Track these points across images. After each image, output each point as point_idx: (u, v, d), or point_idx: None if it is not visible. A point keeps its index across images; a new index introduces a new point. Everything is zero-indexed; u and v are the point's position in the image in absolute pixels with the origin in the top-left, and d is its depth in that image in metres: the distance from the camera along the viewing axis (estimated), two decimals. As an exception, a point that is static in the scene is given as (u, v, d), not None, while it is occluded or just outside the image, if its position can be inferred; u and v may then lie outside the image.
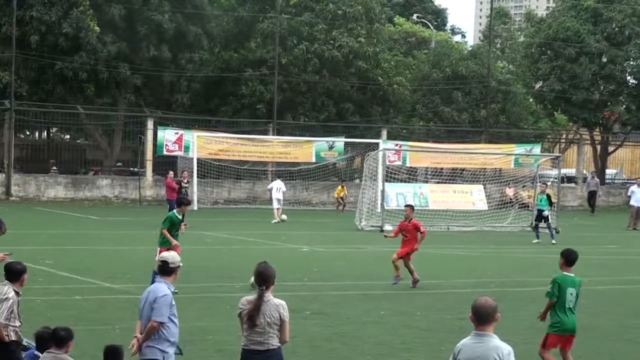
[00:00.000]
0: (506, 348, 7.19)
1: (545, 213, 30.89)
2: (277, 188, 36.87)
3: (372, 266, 23.88)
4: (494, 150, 47.08)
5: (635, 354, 14.18)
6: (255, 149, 43.76)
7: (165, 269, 9.12)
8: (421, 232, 19.73)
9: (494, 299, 7.45)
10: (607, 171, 58.47)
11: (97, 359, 8.83)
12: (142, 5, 44.52)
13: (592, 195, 46.70)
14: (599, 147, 57.68)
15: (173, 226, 18.14)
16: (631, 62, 55.95)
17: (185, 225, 19.03)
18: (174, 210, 18.74)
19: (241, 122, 46.66)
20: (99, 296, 17.60)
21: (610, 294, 20.19)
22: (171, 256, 9.20)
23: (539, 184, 39.23)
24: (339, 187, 44.89)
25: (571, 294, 11.61)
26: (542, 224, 30.97)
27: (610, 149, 57.96)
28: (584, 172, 55.65)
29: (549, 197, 31.43)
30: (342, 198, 44.21)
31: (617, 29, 54.77)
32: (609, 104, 55.49)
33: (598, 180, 49.36)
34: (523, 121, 54.40)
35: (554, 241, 30.14)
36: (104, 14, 43.66)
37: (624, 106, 55.02)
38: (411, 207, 20.58)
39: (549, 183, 34.85)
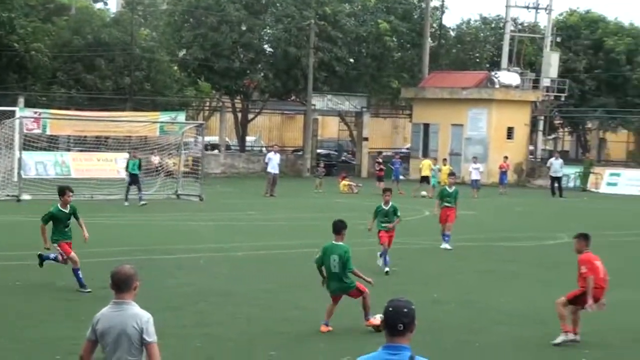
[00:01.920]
0: (145, 315, 7.16)
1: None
2: None
3: (4, 237, 22.94)
4: (138, 118, 46.76)
5: (266, 319, 14.50)
6: None
7: None
8: None
9: (133, 266, 7.38)
10: (248, 138, 60.16)
11: None
12: None
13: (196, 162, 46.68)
14: (240, 115, 59.27)
15: (58, 222, 16.14)
16: (268, 31, 57.82)
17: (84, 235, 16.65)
18: (58, 204, 16.33)
19: None
20: None
21: (250, 260, 20.73)
22: None
23: (184, 152, 39.72)
24: None
25: (334, 259, 12.95)
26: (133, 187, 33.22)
27: (251, 116, 59.75)
28: (226, 139, 57.02)
29: (139, 162, 34.08)
30: None
31: (254, -3, 56.28)
32: (248, 72, 57.04)
33: (202, 147, 49.57)
34: (168, 89, 54.47)
35: (144, 202, 32.61)
36: None
37: (262, 74, 56.81)
38: None
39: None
